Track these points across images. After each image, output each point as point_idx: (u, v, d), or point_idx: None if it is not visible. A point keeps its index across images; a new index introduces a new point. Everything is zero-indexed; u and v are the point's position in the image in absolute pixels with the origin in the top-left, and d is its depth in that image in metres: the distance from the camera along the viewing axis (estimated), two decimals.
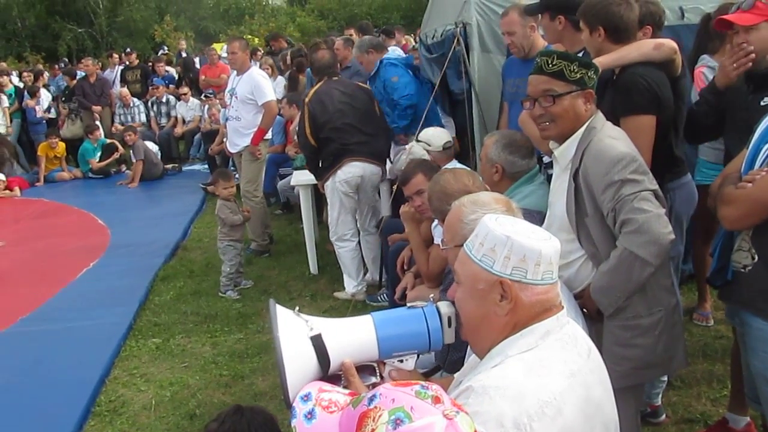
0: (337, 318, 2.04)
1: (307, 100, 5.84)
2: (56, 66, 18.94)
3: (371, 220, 6.15)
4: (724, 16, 3.22)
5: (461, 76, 5.42)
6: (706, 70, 4.33)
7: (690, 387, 4.13)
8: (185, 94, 12.94)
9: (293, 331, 1.88)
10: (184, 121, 13.10)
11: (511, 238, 1.79)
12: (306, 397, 1.66)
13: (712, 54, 4.40)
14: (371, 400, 1.43)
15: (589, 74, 2.73)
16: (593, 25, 3.27)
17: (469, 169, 4.83)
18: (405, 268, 4.63)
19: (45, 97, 13.91)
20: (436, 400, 1.39)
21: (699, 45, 4.44)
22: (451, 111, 6.35)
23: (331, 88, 5.86)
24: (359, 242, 6.14)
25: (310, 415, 1.62)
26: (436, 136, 5.23)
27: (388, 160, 6.21)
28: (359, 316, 2.02)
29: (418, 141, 5.27)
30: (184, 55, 17.53)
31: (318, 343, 1.87)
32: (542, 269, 1.80)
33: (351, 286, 6.06)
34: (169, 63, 16.05)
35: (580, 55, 3.52)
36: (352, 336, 1.95)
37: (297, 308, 1.97)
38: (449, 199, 3.26)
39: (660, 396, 3.84)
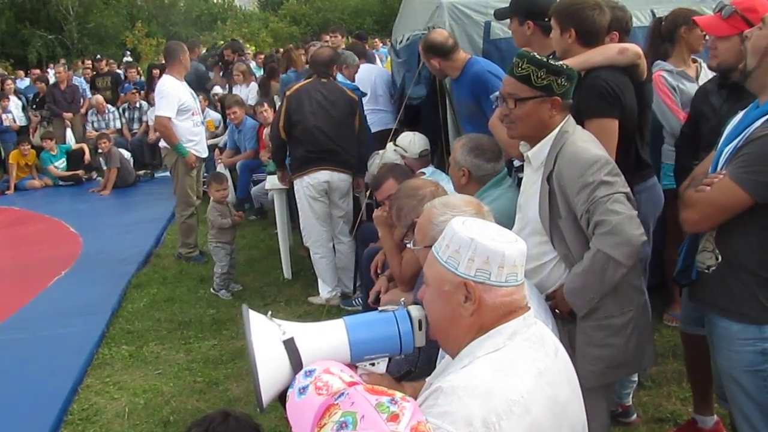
0: (311, 322, 2.06)
1: (288, 93, 5.81)
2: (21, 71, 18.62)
3: (343, 227, 6.11)
4: (699, 21, 3.30)
5: (420, 81, 5.47)
6: (665, 74, 4.42)
7: (660, 387, 4.19)
8: None
9: (266, 335, 1.89)
10: None
11: (475, 240, 1.82)
12: (309, 373, 1.73)
13: (666, 58, 4.49)
14: (339, 396, 1.47)
15: (558, 81, 2.72)
16: (565, 26, 3.29)
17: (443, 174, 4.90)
18: (379, 271, 4.65)
19: (15, 104, 13.75)
20: (393, 417, 1.40)
21: (653, 50, 4.48)
22: (407, 118, 6.34)
23: (316, 89, 5.80)
24: (334, 247, 6.14)
25: (302, 390, 1.68)
26: (414, 143, 5.31)
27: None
28: (331, 320, 2.04)
29: (396, 145, 5.32)
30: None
31: (290, 347, 1.88)
32: (506, 271, 1.83)
33: (326, 291, 6.05)
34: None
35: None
36: (325, 340, 1.96)
37: (269, 313, 1.99)
38: (417, 191, 3.32)
39: (631, 396, 3.89)
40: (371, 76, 7.29)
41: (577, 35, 3.28)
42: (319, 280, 6.11)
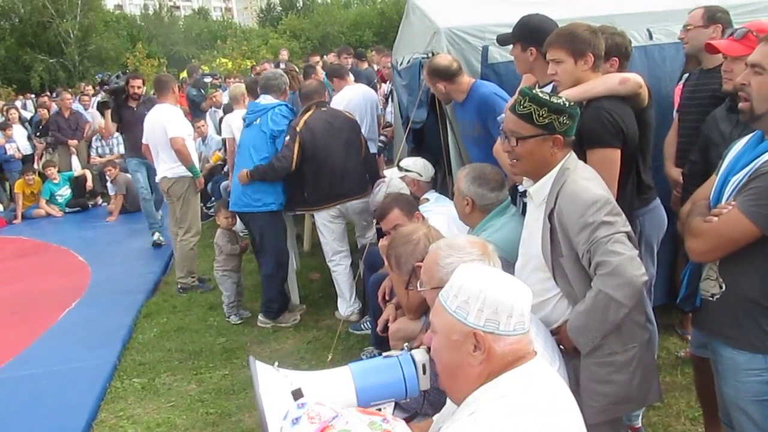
0: (316, 371, 2.10)
1: (298, 128, 5.90)
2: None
3: (367, 230, 6.33)
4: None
5: (421, 105, 5.51)
6: None
7: (669, 406, 4.20)
8: None
9: (274, 387, 1.94)
10: None
11: (484, 291, 1.86)
12: (301, 405, 1.81)
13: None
14: (333, 418, 1.55)
15: (560, 119, 2.74)
16: (581, 54, 3.27)
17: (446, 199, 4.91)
18: (387, 298, 4.67)
19: (20, 134, 13.81)
20: None
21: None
22: (415, 142, 6.42)
23: (322, 119, 5.97)
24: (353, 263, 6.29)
25: (296, 420, 1.77)
26: (426, 167, 5.36)
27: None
28: (337, 368, 2.09)
29: (408, 171, 5.35)
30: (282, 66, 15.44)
31: (298, 397, 1.92)
32: (514, 321, 1.88)
33: (344, 307, 6.21)
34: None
35: (549, 87, 3.60)
36: (331, 388, 2.01)
37: (276, 363, 2.04)
38: (411, 237, 3.37)
39: (640, 417, 3.90)
40: (359, 97, 7.44)
41: (595, 60, 3.30)
42: (339, 298, 6.26)
